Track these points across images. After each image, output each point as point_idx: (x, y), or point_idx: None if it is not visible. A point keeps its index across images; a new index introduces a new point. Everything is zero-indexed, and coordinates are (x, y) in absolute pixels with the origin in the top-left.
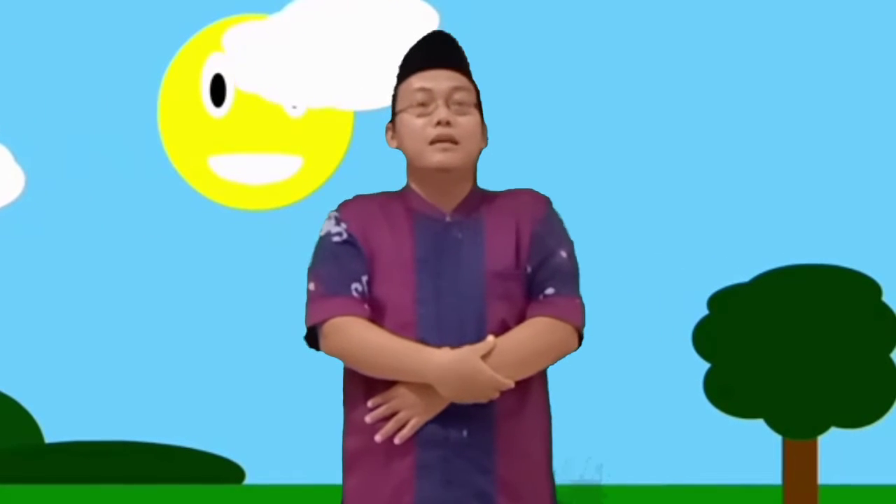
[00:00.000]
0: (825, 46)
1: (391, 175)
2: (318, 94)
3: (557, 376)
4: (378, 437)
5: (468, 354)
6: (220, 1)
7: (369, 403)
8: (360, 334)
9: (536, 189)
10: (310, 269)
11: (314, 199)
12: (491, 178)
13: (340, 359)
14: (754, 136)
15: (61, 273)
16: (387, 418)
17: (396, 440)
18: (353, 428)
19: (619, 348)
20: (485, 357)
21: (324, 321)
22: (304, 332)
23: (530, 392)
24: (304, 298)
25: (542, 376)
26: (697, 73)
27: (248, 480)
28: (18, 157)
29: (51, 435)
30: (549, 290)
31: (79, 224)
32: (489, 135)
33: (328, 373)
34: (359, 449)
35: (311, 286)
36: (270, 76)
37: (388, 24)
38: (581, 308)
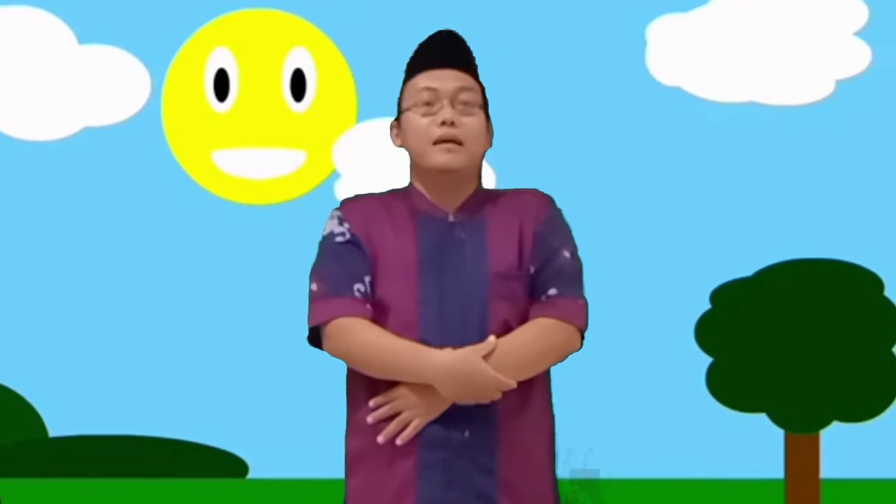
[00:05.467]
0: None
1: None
2: None
3: (559, 370)
4: (380, 438)
5: (470, 355)
6: None
7: (371, 404)
8: (362, 335)
9: (538, 187)
10: (312, 270)
11: (318, 193)
12: (493, 177)
13: (343, 360)
14: (756, 129)
15: (65, 267)
16: (389, 419)
17: (399, 441)
18: (355, 428)
19: (622, 342)
20: (486, 357)
21: (326, 322)
22: (307, 327)
23: (532, 392)
24: (308, 295)
25: (544, 376)
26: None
27: (251, 475)
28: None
29: (55, 429)
30: (552, 291)
31: (81, 218)
32: (495, 134)
33: (332, 368)
34: (361, 449)
35: (314, 286)
36: None
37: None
38: (584, 309)
